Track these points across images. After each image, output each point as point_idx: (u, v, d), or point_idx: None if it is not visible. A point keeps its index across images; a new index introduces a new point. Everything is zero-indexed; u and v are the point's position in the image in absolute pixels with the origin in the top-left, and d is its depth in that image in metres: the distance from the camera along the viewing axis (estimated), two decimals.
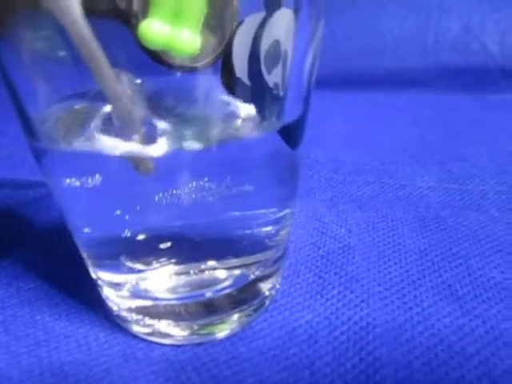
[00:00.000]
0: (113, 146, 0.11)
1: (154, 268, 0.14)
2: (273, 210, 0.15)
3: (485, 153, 0.26)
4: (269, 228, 0.15)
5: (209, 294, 0.14)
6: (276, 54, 0.11)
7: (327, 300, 0.17)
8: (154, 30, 0.11)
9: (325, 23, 0.12)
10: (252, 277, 0.15)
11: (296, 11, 0.11)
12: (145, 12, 0.11)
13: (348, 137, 0.28)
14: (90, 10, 0.10)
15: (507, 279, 0.17)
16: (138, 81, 0.12)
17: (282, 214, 0.15)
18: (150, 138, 0.10)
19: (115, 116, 0.10)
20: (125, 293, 0.15)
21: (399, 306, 0.16)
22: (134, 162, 0.11)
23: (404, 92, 0.29)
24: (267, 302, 0.16)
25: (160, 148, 0.11)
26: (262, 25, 0.11)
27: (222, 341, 0.15)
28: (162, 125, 0.11)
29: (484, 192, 0.22)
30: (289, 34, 0.11)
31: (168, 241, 0.13)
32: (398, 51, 0.30)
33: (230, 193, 0.13)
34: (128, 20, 0.12)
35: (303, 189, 0.23)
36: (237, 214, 0.14)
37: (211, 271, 0.14)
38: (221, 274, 0.14)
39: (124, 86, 0.10)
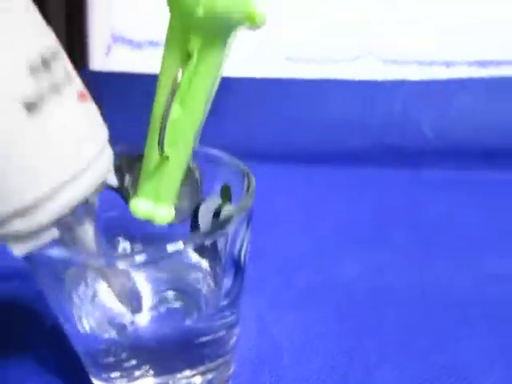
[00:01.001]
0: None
1: (135, 379, 0.17)
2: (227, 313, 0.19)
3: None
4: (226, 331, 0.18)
5: None
6: None
7: None
8: (141, 207, 0.16)
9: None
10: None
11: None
12: (135, 192, 0.16)
13: (294, 222, 0.29)
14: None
15: None
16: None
17: (234, 317, 0.19)
18: (137, 308, 0.14)
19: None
20: None
21: None
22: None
23: (346, 169, 0.33)
24: None
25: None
26: (219, 208, 0.16)
27: None
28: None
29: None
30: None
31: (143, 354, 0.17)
32: (342, 131, 0.35)
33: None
34: (122, 195, 0.17)
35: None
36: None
37: (188, 379, 0.17)
38: (197, 380, 0.17)
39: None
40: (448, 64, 0.38)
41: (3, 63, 0.09)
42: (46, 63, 0.10)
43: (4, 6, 0.09)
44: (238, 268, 0.15)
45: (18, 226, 0.10)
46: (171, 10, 0.13)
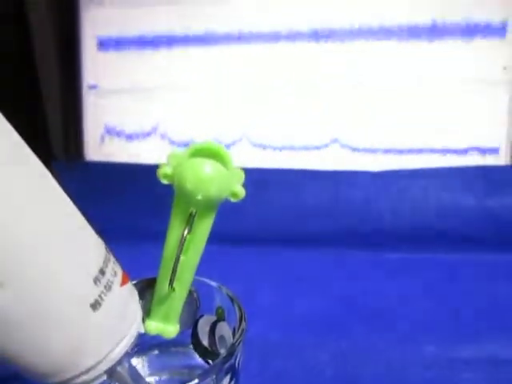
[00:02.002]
0: None
1: None
2: None
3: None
4: None
5: None
6: (222, 341, 0.20)
7: None
8: (153, 327, 0.20)
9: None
10: None
11: None
12: (147, 315, 0.20)
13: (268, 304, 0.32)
14: None
15: None
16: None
17: None
18: None
19: None
20: None
21: None
22: None
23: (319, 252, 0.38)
24: None
25: None
26: (214, 323, 0.20)
27: None
28: None
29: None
30: (229, 334, 0.20)
31: None
32: (316, 217, 0.40)
33: None
34: None
35: None
36: None
37: None
38: None
39: None
40: (401, 152, 0.44)
41: (77, 280, 0.14)
42: (102, 271, 0.14)
43: (80, 225, 0.14)
44: (234, 371, 0.20)
45: (85, 378, 0.15)
46: (177, 192, 0.18)
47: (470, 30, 0.42)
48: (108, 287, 0.14)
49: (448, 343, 0.29)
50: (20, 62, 0.50)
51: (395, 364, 0.27)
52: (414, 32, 0.43)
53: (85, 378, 0.15)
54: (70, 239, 0.14)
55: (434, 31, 0.43)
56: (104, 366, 0.15)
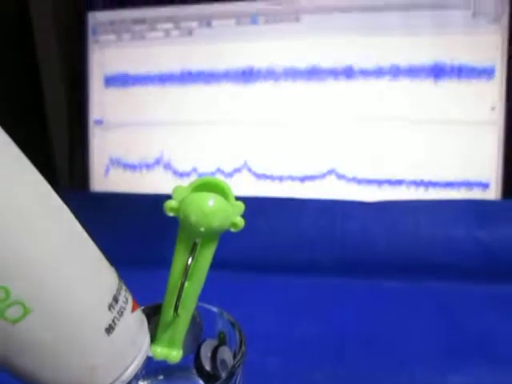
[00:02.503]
0: None
1: None
2: None
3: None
4: None
5: None
6: (224, 365, 0.21)
7: None
8: (158, 352, 0.21)
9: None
10: None
11: None
12: (153, 340, 0.21)
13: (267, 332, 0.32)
14: None
15: None
16: None
17: None
18: None
19: None
20: None
21: None
22: None
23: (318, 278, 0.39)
24: None
25: None
26: (216, 348, 0.21)
27: None
28: None
29: None
30: (230, 358, 0.21)
31: None
32: (313, 245, 0.42)
33: None
34: None
35: None
36: None
37: None
38: None
39: None
40: (396, 183, 0.46)
41: (94, 307, 0.15)
42: (115, 298, 0.16)
43: (96, 254, 0.15)
44: None
45: None
46: (181, 224, 0.19)
47: (459, 72, 0.45)
48: (120, 313, 0.16)
49: (438, 369, 0.30)
50: (31, 99, 0.52)
51: (381, 381, 0.28)
52: (407, 72, 0.46)
53: None
54: (88, 269, 0.15)
55: (426, 72, 0.46)
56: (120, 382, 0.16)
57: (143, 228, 0.46)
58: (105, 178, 0.53)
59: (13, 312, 0.13)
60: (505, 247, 0.41)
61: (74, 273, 0.15)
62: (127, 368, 0.16)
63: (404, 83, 0.46)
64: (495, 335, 0.33)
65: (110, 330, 0.15)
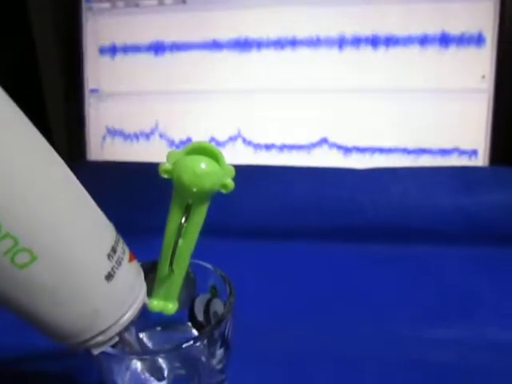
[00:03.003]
0: None
1: None
2: None
3: None
4: None
5: None
6: (216, 316, 0.23)
7: None
8: (155, 304, 0.23)
9: None
10: None
11: None
12: (150, 294, 0.23)
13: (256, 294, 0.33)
14: None
15: None
16: None
17: (224, 376, 0.26)
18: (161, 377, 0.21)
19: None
20: None
21: None
22: None
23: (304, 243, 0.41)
24: None
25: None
26: (209, 301, 0.23)
27: None
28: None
29: None
30: (222, 309, 0.23)
31: None
32: (302, 211, 0.43)
33: None
34: None
35: None
36: None
37: None
38: None
39: None
40: (387, 151, 0.47)
41: (94, 256, 0.17)
42: (113, 249, 0.17)
43: (94, 208, 0.17)
44: (225, 342, 0.22)
45: (100, 339, 0.17)
46: (175, 186, 0.21)
47: (450, 40, 0.45)
48: (119, 262, 0.17)
49: (422, 325, 0.32)
50: (25, 70, 0.52)
51: (368, 338, 0.30)
52: (398, 41, 0.46)
53: (100, 339, 0.17)
54: (88, 221, 0.17)
55: (418, 40, 0.46)
56: (116, 329, 0.18)
57: (140, 196, 0.47)
58: (101, 148, 0.54)
59: (21, 258, 0.14)
60: (489, 213, 0.42)
61: (77, 224, 0.16)
62: (125, 313, 0.18)
63: (395, 52, 0.46)
64: (477, 295, 0.35)
65: (109, 277, 0.17)
